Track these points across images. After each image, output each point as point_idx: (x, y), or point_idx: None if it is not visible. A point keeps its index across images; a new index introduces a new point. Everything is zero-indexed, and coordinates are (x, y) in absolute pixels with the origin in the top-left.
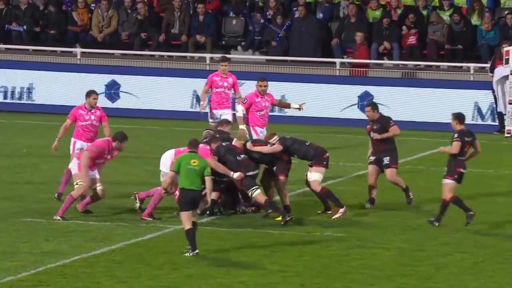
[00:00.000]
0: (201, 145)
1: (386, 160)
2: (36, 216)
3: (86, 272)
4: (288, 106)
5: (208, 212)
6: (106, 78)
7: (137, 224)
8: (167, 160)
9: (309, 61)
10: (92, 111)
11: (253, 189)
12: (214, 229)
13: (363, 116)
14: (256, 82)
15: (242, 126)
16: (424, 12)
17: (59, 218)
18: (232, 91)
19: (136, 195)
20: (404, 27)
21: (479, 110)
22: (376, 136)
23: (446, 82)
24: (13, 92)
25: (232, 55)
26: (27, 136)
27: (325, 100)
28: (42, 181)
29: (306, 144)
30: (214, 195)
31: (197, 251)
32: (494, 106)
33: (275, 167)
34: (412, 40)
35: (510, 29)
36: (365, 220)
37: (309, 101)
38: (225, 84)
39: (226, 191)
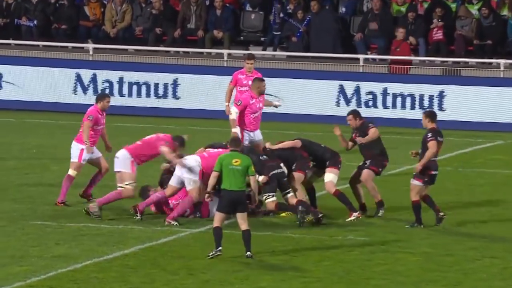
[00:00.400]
0: (220, 149)
1: (367, 162)
2: (46, 219)
3: (98, 278)
4: (269, 104)
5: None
6: (117, 74)
7: (151, 227)
8: (195, 166)
9: (330, 58)
10: (103, 115)
11: (269, 196)
12: (232, 232)
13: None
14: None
15: (236, 130)
16: (453, 6)
17: (95, 211)
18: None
19: (136, 207)
20: (434, 21)
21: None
22: (360, 140)
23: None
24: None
25: (250, 52)
26: (37, 135)
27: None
28: (52, 183)
29: (322, 146)
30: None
31: (220, 248)
32: None
33: (295, 164)
34: (439, 35)
35: None
36: (389, 223)
37: (331, 100)
38: (250, 82)
39: None
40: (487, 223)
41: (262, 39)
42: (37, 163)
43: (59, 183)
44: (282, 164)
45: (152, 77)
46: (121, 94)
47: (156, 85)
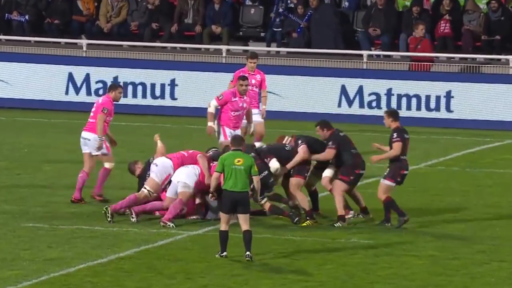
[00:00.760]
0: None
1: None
2: (38, 221)
3: (92, 282)
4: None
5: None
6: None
7: (147, 229)
8: (191, 172)
9: (332, 54)
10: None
11: (261, 198)
12: (231, 235)
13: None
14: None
15: (211, 124)
16: (461, 0)
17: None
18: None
19: (132, 209)
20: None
21: None
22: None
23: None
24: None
25: (250, 47)
26: (29, 134)
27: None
28: (44, 184)
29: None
30: None
31: (225, 253)
32: None
33: (292, 169)
34: (446, 28)
35: None
36: (393, 226)
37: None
38: (253, 81)
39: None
40: (495, 225)
41: (262, 34)
42: (28, 163)
43: (52, 184)
44: (274, 159)
45: (148, 74)
46: None
47: (153, 85)
